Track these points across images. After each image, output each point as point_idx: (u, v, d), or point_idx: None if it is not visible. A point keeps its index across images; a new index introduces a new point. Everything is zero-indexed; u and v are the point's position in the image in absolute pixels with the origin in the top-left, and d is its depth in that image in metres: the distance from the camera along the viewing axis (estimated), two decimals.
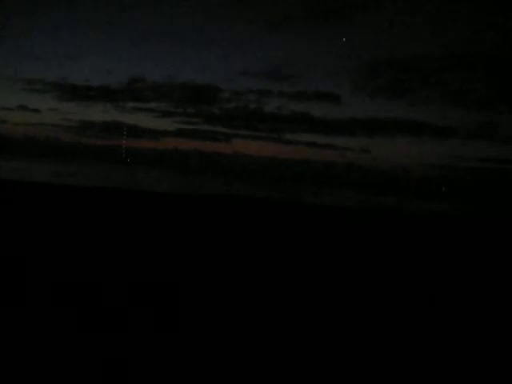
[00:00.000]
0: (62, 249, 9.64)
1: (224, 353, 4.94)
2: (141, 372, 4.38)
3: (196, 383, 4.28)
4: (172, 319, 5.84)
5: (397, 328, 6.32)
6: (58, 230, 12.22)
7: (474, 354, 5.59)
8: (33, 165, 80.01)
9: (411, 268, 11.13)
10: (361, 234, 18.34)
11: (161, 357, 4.73)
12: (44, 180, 37.96)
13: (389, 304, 7.52)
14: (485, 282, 10.19)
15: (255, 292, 7.61)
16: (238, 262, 10.01)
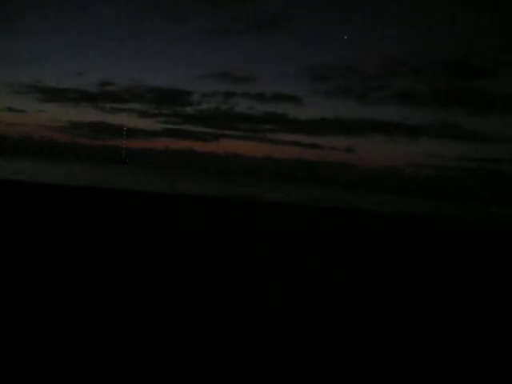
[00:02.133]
0: (58, 249, 9.62)
1: (224, 353, 4.96)
2: (141, 372, 4.38)
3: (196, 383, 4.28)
4: (171, 319, 5.85)
5: (396, 328, 6.24)
6: (54, 230, 12.13)
7: (475, 355, 5.58)
8: (27, 164, 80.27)
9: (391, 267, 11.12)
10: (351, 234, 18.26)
11: (160, 357, 4.74)
12: (43, 180, 37.99)
13: (383, 305, 7.51)
14: (459, 280, 10.23)
15: (249, 291, 7.62)
16: (238, 262, 9.96)
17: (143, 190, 37.90)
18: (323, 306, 7.17)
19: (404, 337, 6.00)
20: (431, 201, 78.18)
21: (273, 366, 4.74)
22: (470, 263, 13.18)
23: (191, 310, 6.34)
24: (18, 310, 5.73)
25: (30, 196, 23.05)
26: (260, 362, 4.82)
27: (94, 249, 10.08)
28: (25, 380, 4.06)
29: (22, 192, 24.87)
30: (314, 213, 29.08)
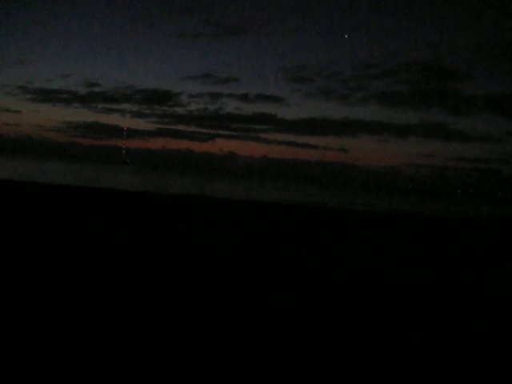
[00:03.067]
0: (57, 249, 9.72)
1: (223, 354, 5.00)
2: (140, 372, 4.44)
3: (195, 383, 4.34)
4: (171, 320, 5.93)
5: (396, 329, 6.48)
6: (51, 230, 12.36)
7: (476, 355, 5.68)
8: (31, 164, 79.87)
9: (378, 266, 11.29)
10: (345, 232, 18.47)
11: (160, 357, 4.79)
12: (42, 180, 37.94)
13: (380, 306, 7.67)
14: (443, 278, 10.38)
15: (248, 291, 7.74)
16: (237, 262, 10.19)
17: (157, 191, 37.76)
18: (322, 305, 7.31)
19: (404, 337, 6.17)
20: (434, 201, 77.97)
21: (272, 367, 4.79)
22: (461, 262, 13.35)
23: (190, 310, 6.42)
24: (18, 310, 5.77)
25: (41, 197, 23.18)
26: (259, 362, 4.87)
27: (93, 249, 10.15)
28: (25, 380, 4.09)
29: (33, 193, 24.97)
30: (328, 214, 29.06)
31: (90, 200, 24.12)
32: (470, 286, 9.82)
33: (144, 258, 9.61)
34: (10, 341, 4.83)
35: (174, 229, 15.21)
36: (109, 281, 7.53)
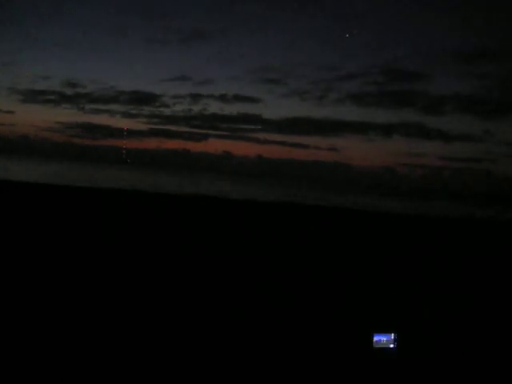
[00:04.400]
0: (55, 250, 9.68)
1: (223, 355, 4.96)
2: (140, 372, 4.41)
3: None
4: (170, 320, 5.91)
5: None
6: (49, 230, 12.36)
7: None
8: (37, 164, 79.70)
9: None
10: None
11: (160, 357, 4.76)
12: (40, 180, 37.88)
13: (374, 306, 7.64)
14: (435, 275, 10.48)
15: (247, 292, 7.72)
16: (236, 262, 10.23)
17: (168, 192, 37.61)
18: (322, 305, 7.34)
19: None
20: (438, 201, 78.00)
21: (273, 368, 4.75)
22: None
23: (189, 311, 6.35)
24: (18, 309, 5.75)
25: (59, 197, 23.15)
26: (260, 364, 4.82)
27: (92, 249, 10.13)
28: (25, 380, 4.06)
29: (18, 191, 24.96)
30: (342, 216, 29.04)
31: (101, 200, 24.14)
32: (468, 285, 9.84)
33: (143, 258, 9.53)
34: (11, 341, 4.80)
35: (185, 230, 15.24)
36: (108, 281, 7.45)
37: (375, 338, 4.83)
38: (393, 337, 4.87)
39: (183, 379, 4.36)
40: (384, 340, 4.85)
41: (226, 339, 5.38)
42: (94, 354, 4.66)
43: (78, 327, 5.33)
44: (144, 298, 6.69)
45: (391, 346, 4.86)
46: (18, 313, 5.64)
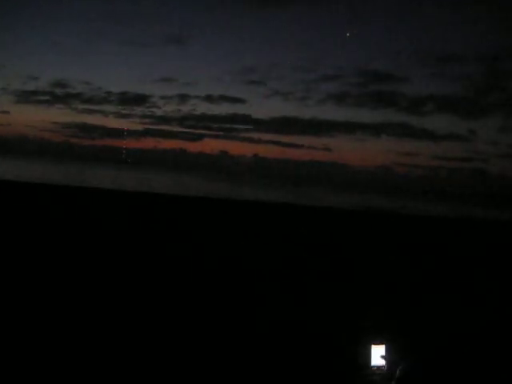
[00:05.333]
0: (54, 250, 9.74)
1: (223, 355, 5.01)
2: (140, 372, 4.44)
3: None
4: (170, 320, 5.95)
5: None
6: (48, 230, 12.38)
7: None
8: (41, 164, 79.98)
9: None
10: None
11: (160, 357, 4.80)
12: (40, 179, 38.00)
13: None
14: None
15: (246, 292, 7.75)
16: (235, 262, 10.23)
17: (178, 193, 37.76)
18: (321, 304, 7.39)
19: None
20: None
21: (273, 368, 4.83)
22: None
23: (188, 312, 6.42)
24: (18, 309, 5.81)
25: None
26: (260, 364, 4.91)
27: (91, 249, 10.25)
28: (25, 380, 4.10)
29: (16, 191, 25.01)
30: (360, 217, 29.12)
31: (101, 200, 24.18)
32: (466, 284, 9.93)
33: (142, 258, 9.60)
34: (11, 341, 4.82)
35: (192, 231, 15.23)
36: (105, 280, 7.49)
37: (372, 363, 4.79)
38: (384, 350, 4.83)
39: (183, 379, 4.38)
40: (379, 365, 4.83)
41: (223, 341, 5.38)
42: (92, 354, 4.66)
43: (76, 327, 5.33)
44: (141, 298, 6.70)
45: (383, 363, 4.84)
46: (17, 313, 5.65)
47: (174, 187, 51.22)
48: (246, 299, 7.25)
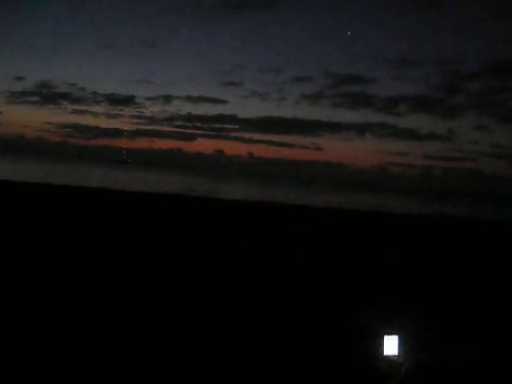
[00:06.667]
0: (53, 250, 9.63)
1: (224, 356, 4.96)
2: (140, 372, 4.41)
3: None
4: (170, 320, 5.91)
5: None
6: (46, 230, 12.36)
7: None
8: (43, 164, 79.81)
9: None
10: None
11: (160, 357, 4.77)
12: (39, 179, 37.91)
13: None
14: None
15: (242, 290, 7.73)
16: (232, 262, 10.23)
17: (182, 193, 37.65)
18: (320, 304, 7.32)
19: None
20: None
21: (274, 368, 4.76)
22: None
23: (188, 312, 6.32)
24: (18, 309, 5.75)
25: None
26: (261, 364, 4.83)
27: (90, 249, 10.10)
28: (25, 380, 4.07)
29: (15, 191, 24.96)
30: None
31: (100, 200, 24.16)
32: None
33: (141, 258, 9.49)
34: (11, 341, 4.79)
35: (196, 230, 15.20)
36: (102, 280, 7.41)
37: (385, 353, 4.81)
38: (397, 340, 4.85)
39: (182, 379, 4.35)
40: (392, 354, 4.86)
41: (222, 343, 5.33)
42: (91, 354, 4.64)
43: (76, 327, 5.31)
44: (139, 298, 6.68)
45: (396, 353, 4.86)
46: (17, 313, 5.63)
47: (174, 187, 51.18)
48: (245, 299, 7.27)
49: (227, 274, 8.68)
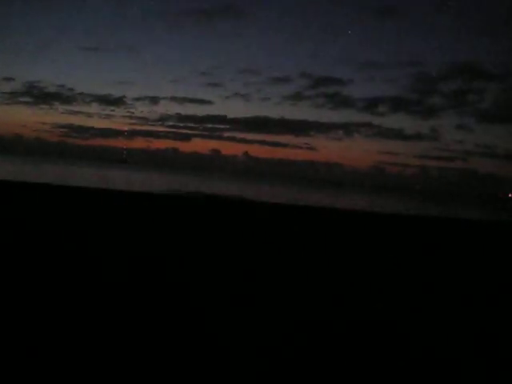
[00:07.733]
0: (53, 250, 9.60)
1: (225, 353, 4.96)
2: (140, 372, 4.41)
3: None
4: (170, 320, 5.89)
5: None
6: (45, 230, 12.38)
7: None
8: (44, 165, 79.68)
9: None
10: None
11: (160, 357, 4.76)
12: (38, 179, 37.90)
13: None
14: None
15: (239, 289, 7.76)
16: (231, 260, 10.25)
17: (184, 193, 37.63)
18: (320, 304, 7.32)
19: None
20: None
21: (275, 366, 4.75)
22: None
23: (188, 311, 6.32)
24: (18, 309, 5.74)
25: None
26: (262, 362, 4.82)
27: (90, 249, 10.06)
28: (25, 380, 4.06)
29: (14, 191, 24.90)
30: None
31: (99, 199, 24.14)
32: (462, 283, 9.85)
33: (141, 258, 9.47)
34: (11, 340, 4.79)
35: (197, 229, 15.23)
36: (106, 281, 7.40)
37: None
38: None
39: (182, 379, 4.34)
40: None
41: (222, 343, 5.32)
42: (91, 354, 4.64)
43: (76, 327, 5.32)
44: (139, 297, 6.67)
45: None
46: (17, 313, 5.63)
47: (172, 186, 51.12)
48: (245, 299, 7.27)
49: (226, 274, 8.71)
